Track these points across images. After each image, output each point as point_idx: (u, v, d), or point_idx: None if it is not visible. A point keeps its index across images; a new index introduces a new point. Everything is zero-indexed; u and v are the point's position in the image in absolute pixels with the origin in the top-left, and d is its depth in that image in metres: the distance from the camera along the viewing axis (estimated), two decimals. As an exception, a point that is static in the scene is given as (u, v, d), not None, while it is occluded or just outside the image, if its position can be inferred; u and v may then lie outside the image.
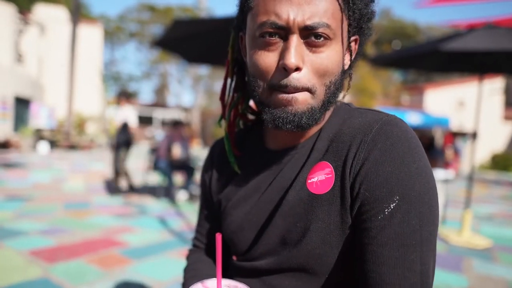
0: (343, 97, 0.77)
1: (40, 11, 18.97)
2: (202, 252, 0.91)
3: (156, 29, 33.60)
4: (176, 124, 6.50)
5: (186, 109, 29.84)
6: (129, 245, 3.65)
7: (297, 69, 0.59)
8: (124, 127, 6.19)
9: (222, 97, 0.82)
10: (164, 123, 27.80)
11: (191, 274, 0.84)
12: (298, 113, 0.61)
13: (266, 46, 0.62)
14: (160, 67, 35.63)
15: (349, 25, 0.65)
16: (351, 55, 0.70)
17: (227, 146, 0.80)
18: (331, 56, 0.61)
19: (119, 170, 6.23)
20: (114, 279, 2.80)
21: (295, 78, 0.60)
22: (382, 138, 0.59)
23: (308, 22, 0.58)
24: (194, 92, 29.31)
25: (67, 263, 3.04)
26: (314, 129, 0.71)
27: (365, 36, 0.71)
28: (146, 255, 3.38)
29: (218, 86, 36.37)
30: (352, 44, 0.69)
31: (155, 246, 3.66)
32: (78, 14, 15.86)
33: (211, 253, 0.89)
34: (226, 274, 0.82)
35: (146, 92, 72.84)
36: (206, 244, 0.90)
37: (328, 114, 0.72)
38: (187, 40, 4.75)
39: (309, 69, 0.61)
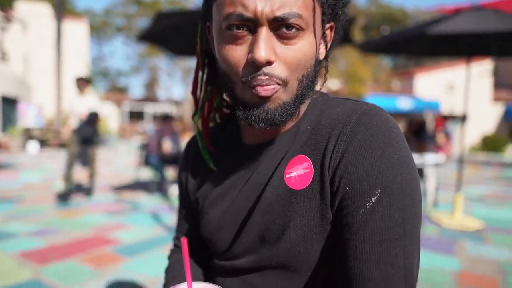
0: (321, 87, 0.74)
1: (22, 8, 18.57)
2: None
3: (143, 22, 33.15)
4: (165, 118, 6.45)
5: (177, 103, 29.64)
6: (121, 242, 3.62)
7: (268, 63, 0.56)
8: (91, 119, 5.43)
9: (194, 91, 0.78)
10: (155, 117, 27.63)
11: (172, 275, 0.82)
12: (271, 111, 0.58)
13: (234, 40, 0.57)
14: (149, 61, 35.24)
15: (323, 13, 0.61)
16: (326, 44, 0.66)
17: (200, 143, 0.77)
18: (304, 47, 0.57)
19: (92, 171, 5.68)
20: (107, 278, 2.78)
21: (267, 71, 0.56)
22: (362, 129, 0.57)
23: (278, 13, 0.54)
24: (184, 85, 29.09)
25: (59, 264, 3.01)
26: (292, 122, 0.68)
27: (341, 22, 0.67)
28: (139, 252, 3.36)
29: (208, 78, 36.14)
30: (328, 32, 0.66)
31: (148, 242, 3.64)
32: (62, 9, 15.54)
33: (192, 253, 0.86)
34: (209, 275, 0.80)
35: (136, 86, 72.26)
36: None
37: (305, 105, 0.69)
38: (172, 33, 4.68)
39: (282, 62, 0.57)
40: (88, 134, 5.41)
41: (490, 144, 18.92)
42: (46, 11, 19.23)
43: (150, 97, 32.86)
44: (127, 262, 3.12)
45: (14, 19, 16.92)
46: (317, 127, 0.63)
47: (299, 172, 0.61)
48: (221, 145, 0.79)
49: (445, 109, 18.24)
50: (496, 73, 21.97)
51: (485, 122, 19.80)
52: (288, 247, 0.60)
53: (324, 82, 0.69)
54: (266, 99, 0.58)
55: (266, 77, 0.56)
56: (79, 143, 5.42)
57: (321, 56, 0.66)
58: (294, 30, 0.56)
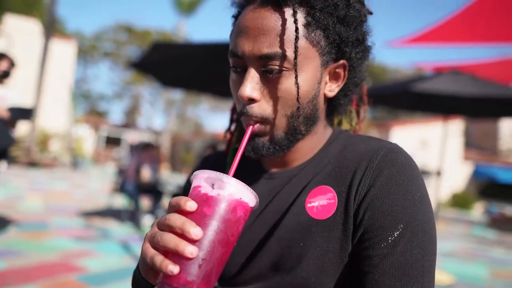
0: (353, 128, 0.80)
1: (10, 22, 18.46)
2: None
3: (132, 50, 33.46)
4: (146, 147, 6.37)
5: (156, 132, 29.41)
6: (88, 270, 3.43)
7: (253, 100, 0.61)
8: (15, 119, 3.69)
9: (233, 110, 0.83)
10: (132, 146, 27.16)
11: None
12: (259, 145, 0.63)
13: (235, 78, 0.65)
14: (132, 88, 35.24)
15: (322, 52, 0.62)
16: (338, 81, 0.68)
17: (231, 157, 0.79)
18: (291, 86, 0.60)
19: None
20: (70, 307, 2.61)
21: (250, 108, 0.61)
22: (388, 165, 0.59)
23: (262, 53, 0.58)
24: (166, 115, 29.04)
25: (19, 289, 2.81)
26: (313, 151, 0.70)
27: (356, 61, 0.68)
28: (106, 282, 3.19)
29: (190, 111, 36.28)
30: (339, 70, 0.67)
31: (117, 272, 3.47)
32: (52, 28, 15.57)
33: None
34: None
35: (116, 112, 71.61)
36: None
37: (326, 137, 0.72)
38: (165, 64, 4.75)
39: (267, 100, 0.61)
40: (6, 143, 3.55)
41: (459, 201, 19.49)
42: (35, 28, 19.18)
43: (130, 124, 32.50)
44: (93, 292, 2.95)
45: (1, 32, 16.76)
46: (342, 160, 0.65)
47: (322, 202, 0.62)
48: (240, 169, 0.80)
49: (417, 164, 18.84)
50: (467, 134, 23.12)
51: (455, 180, 20.49)
52: (304, 276, 0.60)
53: (358, 119, 0.76)
54: (255, 134, 0.63)
55: (247, 117, 0.62)
56: None
57: (331, 94, 0.67)
58: (278, 69, 0.59)
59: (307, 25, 0.60)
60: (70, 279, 3.15)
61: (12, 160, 13.55)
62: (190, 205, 0.48)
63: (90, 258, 3.81)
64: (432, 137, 19.48)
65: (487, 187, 20.86)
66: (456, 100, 4.91)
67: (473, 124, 24.90)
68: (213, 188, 0.50)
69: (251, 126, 0.61)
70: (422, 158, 19.17)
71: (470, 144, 24.69)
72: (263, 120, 0.62)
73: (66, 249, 4.02)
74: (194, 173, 0.53)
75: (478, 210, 19.71)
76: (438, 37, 5.59)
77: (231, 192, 0.50)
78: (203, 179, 0.51)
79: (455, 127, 19.28)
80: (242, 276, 0.68)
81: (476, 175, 20.85)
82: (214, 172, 0.51)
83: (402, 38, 5.80)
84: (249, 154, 0.65)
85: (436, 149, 18.02)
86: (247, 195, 0.51)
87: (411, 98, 5.24)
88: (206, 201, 0.49)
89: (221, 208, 0.49)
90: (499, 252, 7.42)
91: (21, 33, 18.41)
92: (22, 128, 16.70)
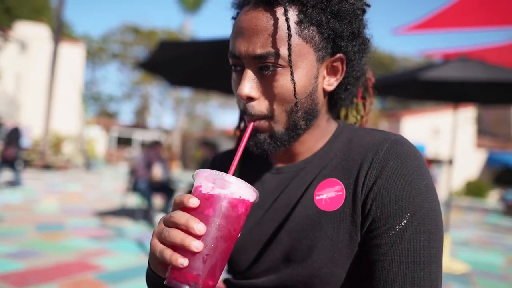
0: (359, 121, 0.81)
1: (21, 28, 18.74)
2: None
3: (139, 51, 33.63)
4: (154, 145, 6.45)
5: (166, 131, 29.61)
6: (104, 269, 3.51)
7: (251, 98, 0.63)
8: None
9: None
10: (143, 145, 27.44)
11: None
12: (261, 140, 0.65)
13: (235, 77, 0.67)
14: (141, 88, 35.46)
15: (316, 48, 0.63)
16: (337, 75, 0.68)
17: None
18: (288, 83, 0.61)
19: None
20: (88, 304, 2.68)
21: (250, 106, 0.63)
22: (393, 156, 0.61)
23: (256, 53, 0.60)
24: (175, 114, 29.20)
25: (38, 288, 2.89)
26: (319, 145, 0.72)
27: (353, 54, 0.68)
28: (122, 279, 3.26)
29: (199, 109, 36.38)
30: (337, 64, 0.67)
31: (132, 270, 3.54)
32: (60, 33, 15.75)
33: None
34: None
35: (126, 113, 72.32)
36: None
37: (331, 131, 0.73)
38: (172, 63, 4.78)
39: (266, 98, 0.63)
40: None
41: (474, 189, 19.22)
42: (44, 33, 19.42)
43: (140, 124, 32.77)
44: (110, 289, 3.02)
45: (12, 39, 17.01)
46: (348, 153, 0.67)
47: (330, 194, 0.64)
48: (249, 164, 0.82)
49: (430, 153, 18.62)
50: (480, 121, 22.75)
51: (469, 168, 20.21)
52: (315, 267, 0.62)
53: (364, 112, 0.80)
54: (257, 129, 0.65)
55: (248, 116, 0.64)
56: None
57: (329, 88, 0.68)
58: (273, 68, 0.61)
59: (299, 23, 0.61)
60: (87, 278, 3.23)
61: (27, 164, 13.82)
62: (193, 201, 0.50)
63: (106, 257, 3.89)
64: (444, 125, 19.20)
65: (502, 174, 20.50)
66: (466, 87, 4.85)
67: (486, 111, 24.47)
68: (214, 186, 0.52)
69: (252, 123, 0.64)
70: (434, 147, 18.94)
71: (484, 131, 24.28)
72: (263, 117, 0.64)
73: (83, 249, 4.12)
74: (196, 171, 0.54)
75: (493, 198, 19.41)
76: (445, 22, 5.51)
77: (232, 191, 0.52)
78: (204, 178, 0.53)
79: (468, 115, 18.96)
80: (254, 269, 0.70)
81: (490, 162, 20.52)
82: (215, 171, 0.52)
83: (409, 25, 5.74)
84: (252, 149, 0.67)
85: (448, 137, 17.75)
86: (247, 192, 0.53)
87: (420, 87, 5.18)
88: (208, 200, 0.51)
89: (223, 206, 0.51)
90: (515, 240, 7.32)
91: (31, 38, 18.67)
92: (36, 133, 17.01)
